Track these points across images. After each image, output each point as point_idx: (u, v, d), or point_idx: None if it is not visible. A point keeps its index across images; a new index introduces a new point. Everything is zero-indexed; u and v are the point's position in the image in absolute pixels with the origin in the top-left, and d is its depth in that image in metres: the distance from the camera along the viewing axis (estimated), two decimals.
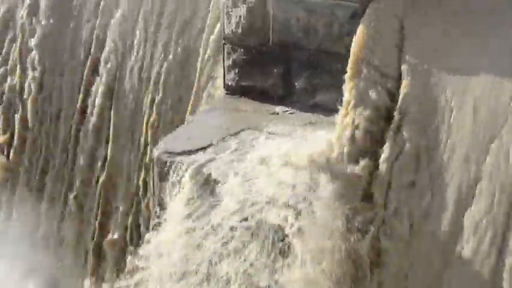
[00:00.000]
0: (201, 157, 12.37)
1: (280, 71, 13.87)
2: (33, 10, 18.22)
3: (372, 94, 11.47)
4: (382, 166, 11.03)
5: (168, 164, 12.62)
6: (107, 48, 17.26)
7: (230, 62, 14.26)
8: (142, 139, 16.84)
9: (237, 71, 14.23)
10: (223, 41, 14.28)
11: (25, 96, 18.45)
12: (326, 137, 11.79)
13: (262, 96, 14.04)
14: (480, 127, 10.54)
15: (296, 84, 13.75)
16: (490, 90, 10.65)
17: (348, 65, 11.82)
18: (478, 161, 10.34)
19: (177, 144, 13.01)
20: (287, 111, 13.77)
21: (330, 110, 12.42)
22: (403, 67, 11.41)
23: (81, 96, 17.68)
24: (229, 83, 14.32)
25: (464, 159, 10.43)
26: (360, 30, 11.91)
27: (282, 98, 13.94)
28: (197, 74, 15.98)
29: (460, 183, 10.39)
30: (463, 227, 10.28)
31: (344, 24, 12.92)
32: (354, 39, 11.94)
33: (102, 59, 17.37)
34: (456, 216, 10.32)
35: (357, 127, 11.41)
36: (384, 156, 11.07)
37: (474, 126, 10.57)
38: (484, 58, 10.99)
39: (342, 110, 11.71)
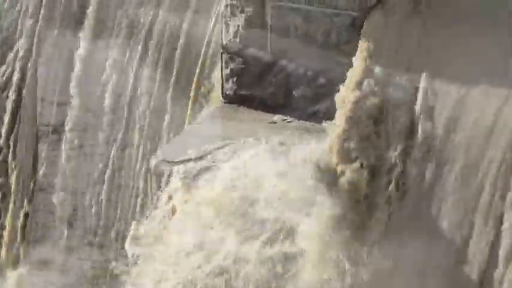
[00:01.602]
0: (198, 166, 12.42)
1: (278, 79, 13.90)
2: None
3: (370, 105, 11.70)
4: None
5: (165, 173, 12.63)
6: None
7: (228, 71, 14.25)
8: None
9: (235, 80, 14.21)
10: (221, 51, 14.30)
11: None
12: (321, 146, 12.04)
13: (261, 105, 14.02)
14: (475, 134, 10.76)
15: (294, 92, 13.74)
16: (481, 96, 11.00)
17: (351, 75, 12.02)
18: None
19: (175, 153, 13.00)
20: (285, 119, 13.78)
21: (329, 118, 12.44)
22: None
23: None
24: (227, 92, 14.29)
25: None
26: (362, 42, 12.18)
27: (281, 106, 13.92)
28: None
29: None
30: None
31: (342, 33, 12.98)
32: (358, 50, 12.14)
33: None
34: None
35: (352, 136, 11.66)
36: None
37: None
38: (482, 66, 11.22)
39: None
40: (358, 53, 12.19)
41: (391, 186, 11.36)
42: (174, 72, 16.47)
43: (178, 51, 16.43)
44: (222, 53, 14.29)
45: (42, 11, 17.09)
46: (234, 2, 13.89)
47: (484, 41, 11.52)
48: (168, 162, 12.71)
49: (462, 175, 10.75)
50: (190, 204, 12.10)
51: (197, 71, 15.94)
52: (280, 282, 11.02)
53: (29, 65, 16.38)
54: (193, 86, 15.94)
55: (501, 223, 10.50)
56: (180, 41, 16.56)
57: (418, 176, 11.22)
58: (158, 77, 16.94)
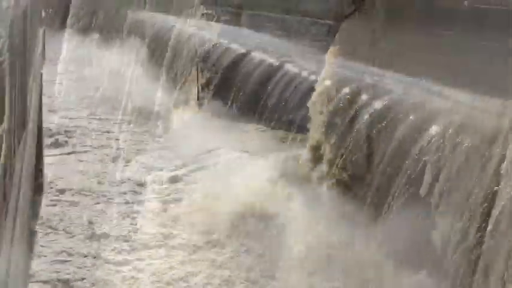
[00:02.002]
0: (173, 174, 12.54)
1: (253, 89, 14.00)
2: None
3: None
4: None
5: (143, 180, 12.68)
6: None
7: (204, 80, 14.35)
8: None
9: (210, 88, 14.31)
10: (197, 59, 14.42)
11: None
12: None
13: (235, 113, 14.21)
14: None
15: (269, 101, 13.85)
16: None
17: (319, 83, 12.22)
18: None
19: (150, 162, 13.12)
20: (259, 128, 13.93)
21: (303, 126, 12.58)
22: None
23: None
24: (203, 100, 14.39)
25: None
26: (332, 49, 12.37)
27: (256, 115, 14.03)
28: None
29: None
30: None
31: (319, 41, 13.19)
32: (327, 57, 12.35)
33: None
34: None
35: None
36: None
37: None
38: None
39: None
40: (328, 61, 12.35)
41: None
42: (164, 77, 16.46)
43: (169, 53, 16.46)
44: (197, 62, 14.42)
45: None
46: (210, 11, 13.99)
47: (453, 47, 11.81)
48: (146, 169, 12.78)
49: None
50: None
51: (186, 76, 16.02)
52: None
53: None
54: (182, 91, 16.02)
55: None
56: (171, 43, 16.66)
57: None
58: (150, 80, 17.02)
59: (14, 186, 5.64)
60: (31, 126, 7.18)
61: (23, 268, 5.25)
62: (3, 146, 5.13)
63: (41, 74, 10.51)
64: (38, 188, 9.85)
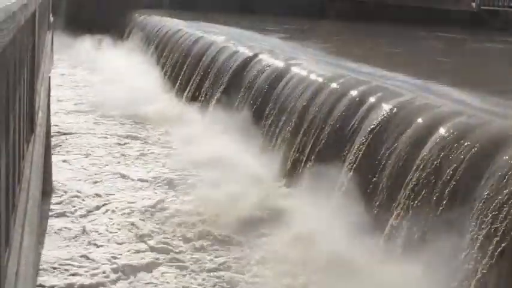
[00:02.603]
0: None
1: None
2: None
3: None
4: None
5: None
6: None
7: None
8: None
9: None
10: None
11: None
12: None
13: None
14: None
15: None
16: None
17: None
18: None
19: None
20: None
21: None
22: None
23: None
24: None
25: None
26: None
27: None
28: None
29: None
30: None
31: None
32: None
33: None
34: None
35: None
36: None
37: None
38: None
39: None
40: None
41: None
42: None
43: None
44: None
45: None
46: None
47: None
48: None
49: None
50: None
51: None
52: None
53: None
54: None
55: None
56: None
57: None
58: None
59: (22, 190, 5.64)
60: (39, 129, 7.18)
61: (32, 271, 5.23)
62: (12, 149, 5.12)
63: (49, 78, 10.52)
64: (46, 191, 9.82)
